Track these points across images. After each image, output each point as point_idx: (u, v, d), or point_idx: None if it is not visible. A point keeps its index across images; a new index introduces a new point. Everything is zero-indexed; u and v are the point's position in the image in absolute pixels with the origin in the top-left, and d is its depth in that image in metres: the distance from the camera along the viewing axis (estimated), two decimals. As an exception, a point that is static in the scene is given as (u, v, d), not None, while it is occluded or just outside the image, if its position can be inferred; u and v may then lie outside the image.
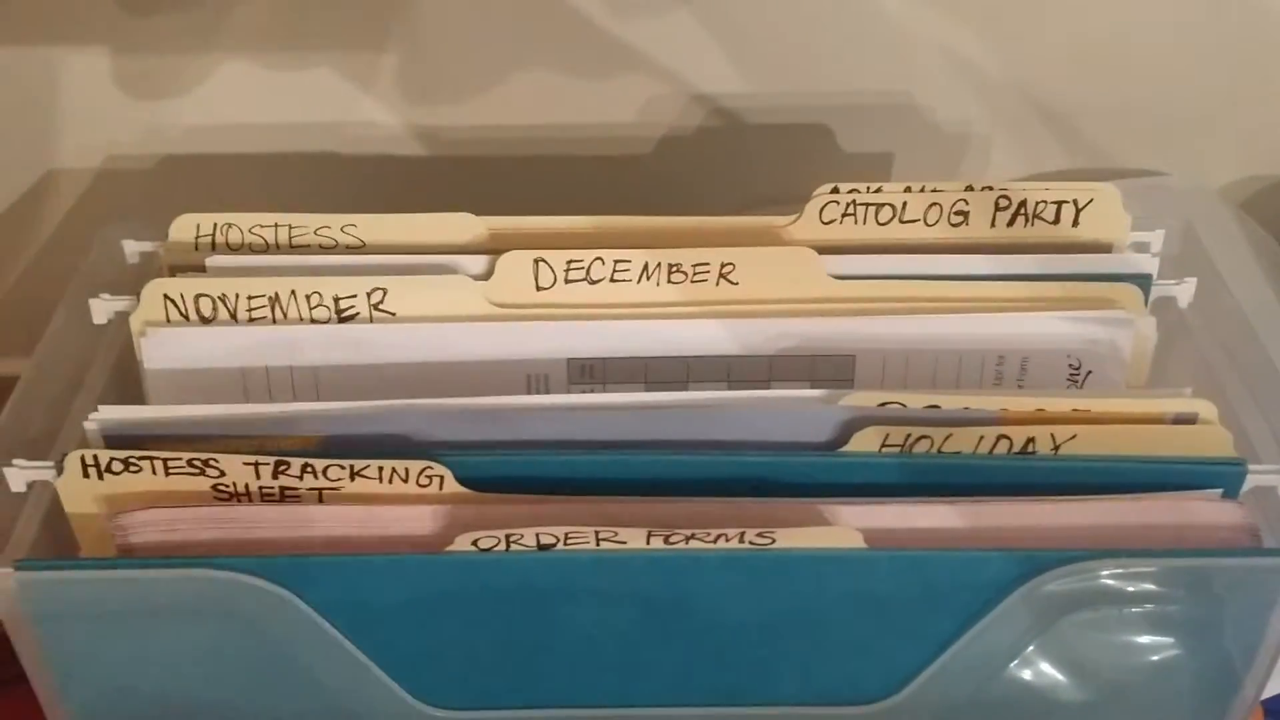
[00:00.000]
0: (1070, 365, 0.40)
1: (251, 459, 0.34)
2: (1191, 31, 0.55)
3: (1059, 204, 0.42)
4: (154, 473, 0.34)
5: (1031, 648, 0.35)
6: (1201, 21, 0.55)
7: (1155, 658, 0.35)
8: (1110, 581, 0.34)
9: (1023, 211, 0.42)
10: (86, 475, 0.34)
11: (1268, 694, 0.43)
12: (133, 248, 0.43)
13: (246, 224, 0.42)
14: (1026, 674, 0.36)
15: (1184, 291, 0.42)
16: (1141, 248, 0.43)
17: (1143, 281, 0.41)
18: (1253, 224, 0.57)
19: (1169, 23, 0.55)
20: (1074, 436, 0.36)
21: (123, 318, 0.40)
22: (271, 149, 0.56)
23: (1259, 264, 0.54)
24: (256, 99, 0.54)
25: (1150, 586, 0.34)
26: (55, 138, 0.55)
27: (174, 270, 0.42)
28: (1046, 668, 0.36)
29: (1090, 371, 0.40)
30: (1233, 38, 0.55)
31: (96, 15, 0.51)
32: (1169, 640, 0.35)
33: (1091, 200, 0.42)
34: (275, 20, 0.52)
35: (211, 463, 0.34)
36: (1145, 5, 0.54)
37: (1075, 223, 0.42)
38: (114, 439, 0.36)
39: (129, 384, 0.40)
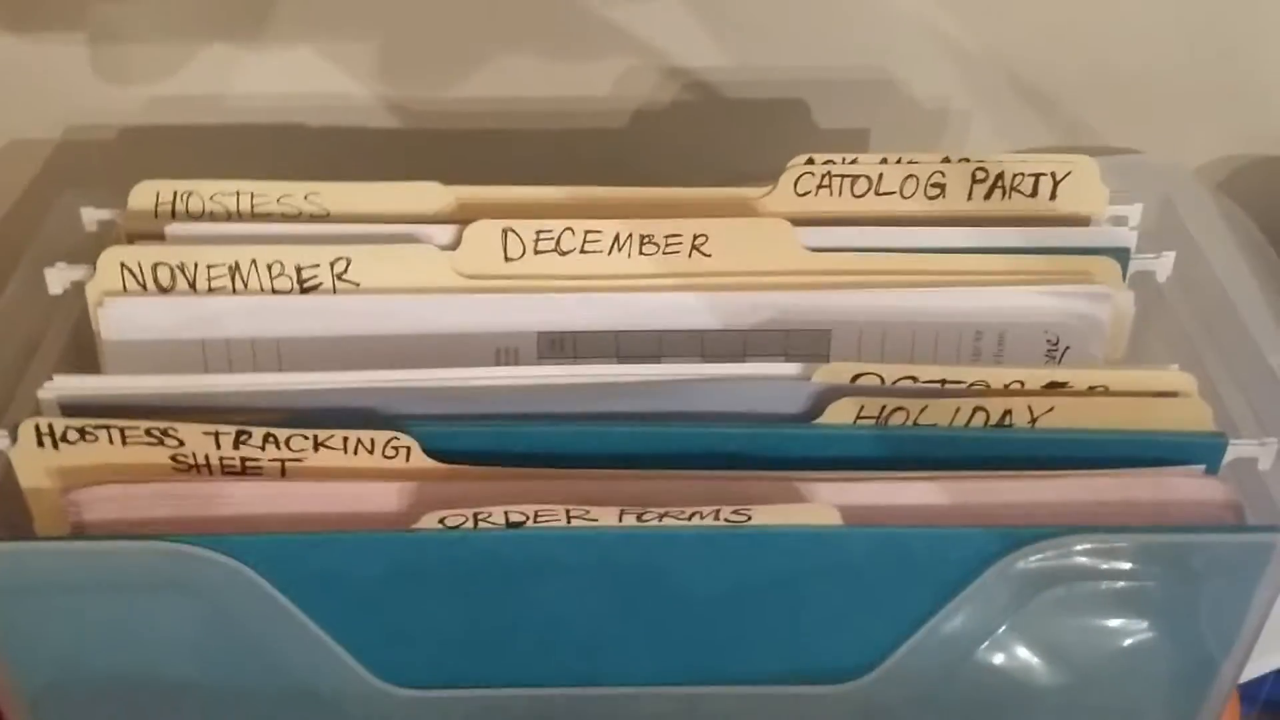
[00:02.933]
0: (1048, 340, 0.40)
1: (212, 429, 0.33)
2: (1171, 11, 0.55)
3: (1036, 176, 0.42)
4: (110, 442, 0.33)
5: (1007, 625, 0.35)
6: (1180, 3, 0.55)
7: (1133, 637, 0.35)
8: (1088, 558, 0.33)
9: (1000, 184, 0.42)
10: (41, 444, 0.33)
11: (1245, 677, 0.43)
12: (91, 215, 0.42)
13: (208, 191, 0.41)
14: (1002, 651, 0.35)
15: (1162, 265, 0.42)
16: (1119, 222, 0.42)
17: (1121, 255, 0.41)
18: (1228, 202, 0.57)
19: (1147, 3, 0.55)
20: (1051, 409, 0.35)
21: (79, 287, 0.39)
22: (237, 120, 0.55)
23: (1235, 240, 0.54)
24: (221, 69, 0.53)
25: (1128, 564, 0.33)
26: (13, 107, 0.54)
27: (133, 238, 0.41)
28: (1022, 645, 0.35)
29: (1068, 346, 0.40)
30: (1212, 20, 0.55)
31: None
32: (1147, 619, 0.35)
33: (1069, 173, 0.42)
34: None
35: (170, 432, 0.33)
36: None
37: (1053, 195, 0.42)
38: (70, 409, 0.35)
39: (86, 355, 0.39)
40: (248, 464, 0.34)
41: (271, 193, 0.41)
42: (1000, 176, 0.42)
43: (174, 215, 0.41)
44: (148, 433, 0.33)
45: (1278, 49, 0.56)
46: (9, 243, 0.55)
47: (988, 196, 0.42)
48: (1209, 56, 0.56)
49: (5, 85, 0.53)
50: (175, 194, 0.41)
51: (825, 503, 0.33)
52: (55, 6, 0.51)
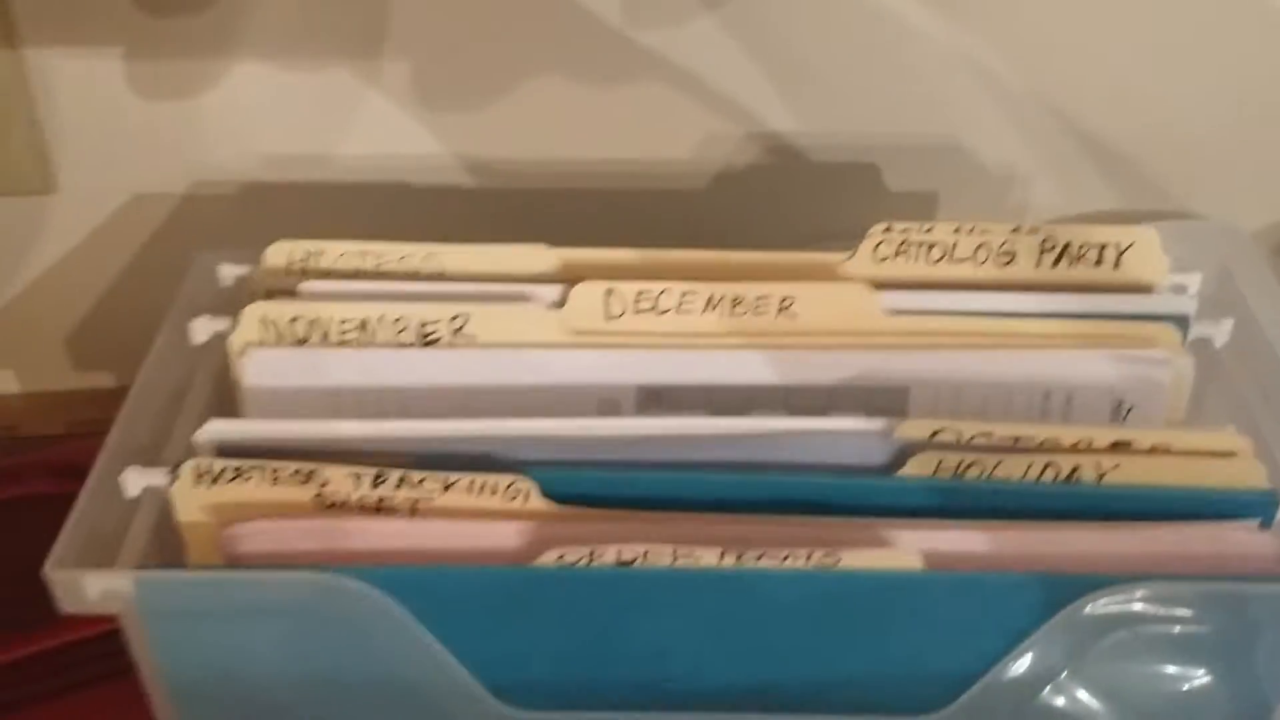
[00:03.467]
0: (1113, 401, 0.42)
1: (353, 470, 0.37)
2: (1228, 77, 0.57)
3: (1101, 246, 0.44)
4: (261, 481, 0.37)
5: (1073, 665, 0.37)
6: (1239, 69, 0.57)
7: (1190, 680, 0.37)
8: (1148, 606, 0.35)
9: (1066, 253, 0.44)
10: (199, 483, 0.37)
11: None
12: (228, 272, 0.46)
13: (336, 251, 0.45)
14: (1066, 692, 0.38)
15: (1220, 332, 0.44)
16: (1179, 289, 0.45)
17: (1180, 322, 0.43)
18: (1282, 264, 0.59)
19: (1207, 69, 0.57)
20: (1117, 466, 0.38)
21: (221, 338, 0.43)
22: (344, 178, 0.58)
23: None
24: (324, 131, 0.57)
25: (1186, 611, 0.36)
26: (137, 164, 0.57)
27: (268, 294, 0.44)
28: (1085, 687, 0.38)
29: (1131, 407, 0.42)
30: (1266, 84, 0.57)
31: (167, 49, 0.54)
32: (1203, 665, 0.37)
33: (1132, 244, 0.44)
34: (337, 60, 0.55)
35: (315, 473, 0.37)
36: (1184, 50, 0.56)
37: (1116, 265, 0.44)
38: (223, 450, 0.38)
39: (226, 400, 0.43)
40: (383, 503, 0.37)
41: (393, 253, 0.45)
42: (1067, 246, 0.44)
43: (304, 273, 0.44)
44: (296, 473, 0.37)
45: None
46: (133, 288, 0.60)
47: (1055, 264, 0.44)
48: (1265, 120, 0.58)
49: (129, 144, 0.57)
50: (307, 254, 0.45)
51: (907, 548, 0.36)
52: (176, 72, 0.55)
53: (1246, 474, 0.38)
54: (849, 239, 0.45)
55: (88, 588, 0.35)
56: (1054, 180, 0.60)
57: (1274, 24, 0.56)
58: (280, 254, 0.45)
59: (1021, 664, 0.36)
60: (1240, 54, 0.57)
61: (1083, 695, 0.38)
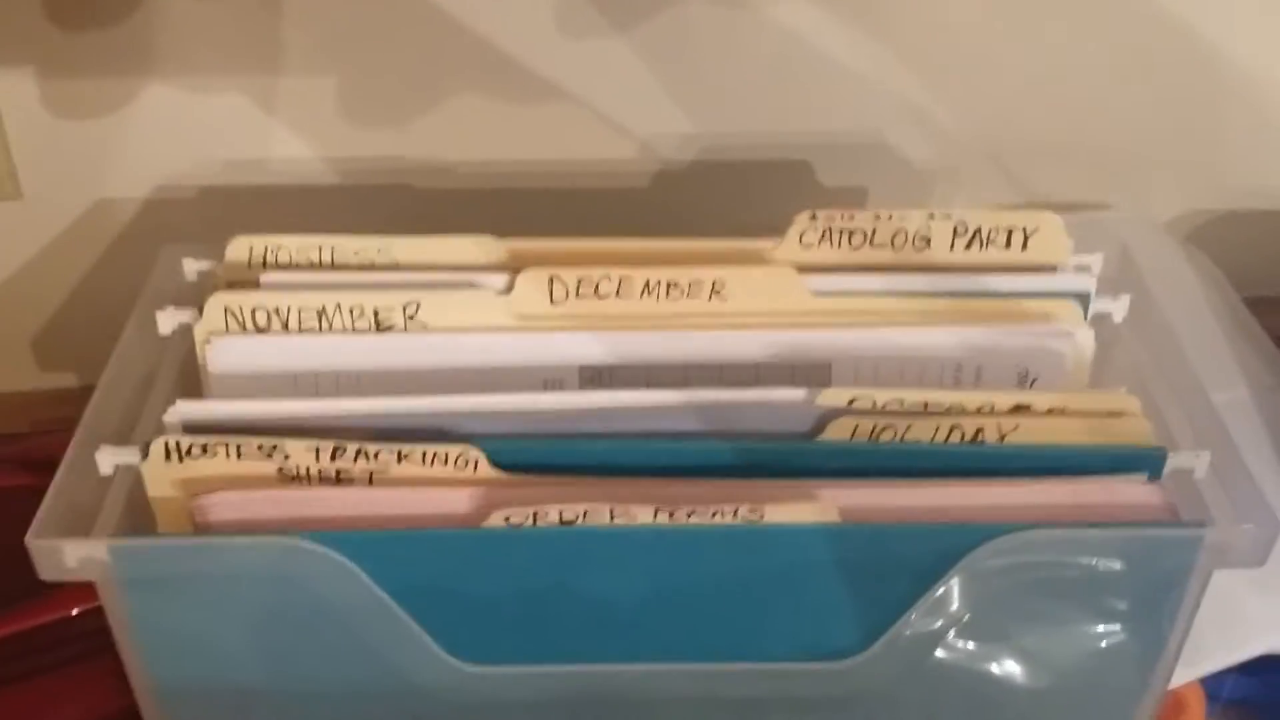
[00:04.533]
0: (1019, 372, 0.45)
1: (313, 444, 0.39)
2: (1137, 76, 0.60)
3: (1009, 230, 0.47)
4: (227, 456, 0.39)
5: (977, 609, 0.40)
6: (1147, 67, 0.60)
7: (1085, 618, 0.40)
8: (1046, 551, 0.38)
9: (978, 236, 0.47)
10: (168, 458, 0.39)
11: (1202, 673, 0.48)
12: (192, 266, 0.48)
13: (294, 245, 0.47)
14: (973, 633, 0.40)
15: (1119, 307, 0.47)
16: (1082, 269, 0.48)
17: (1082, 298, 0.46)
18: (1193, 249, 0.63)
19: (1115, 68, 0.60)
20: (1017, 428, 0.41)
21: (186, 328, 0.45)
22: (295, 181, 0.61)
23: (1196, 283, 0.59)
24: (278, 135, 0.60)
25: (1080, 556, 0.39)
26: (100, 170, 0.60)
27: (230, 286, 0.46)
28: (990, 628, 0.40)
29: (1036, 377, 0.45)
30: (1175, 81, 0.61)
31: (135, 59, 0.57)
32: (1098, 602, 0.40)
33: (1038, 227, 0.47)
34: (286, 69, 0.58)
35: (278, 447, 0.39)
36: (1093, 53, 0.60)
37: (1024, 247, 0.47)
38: (190, 429, 0.41)
39: (192, 387, 0.45)
40: (341, 474, 0.40)
41: (349, 246, 0.47)
42: (978, 230, 0.47)
43: (265, 266, 0.47)
44: (259, 448, 0.39)
45: (1232, 116, 0.62)
46: (101, 288, 0.62)
47: (967, 247, 0.47)
48: (1174, 116, 0.62)
49: (94, 151, 0.59)
50: (267, 247, 0.47)
51: (826, 504, 0.39)
52: (107, 85, 0.57)
53: (1136, 432, 0.41)
54: (782, 232, 0.48)
55: (66, 556, 0.37)
56: (977, 178, 0.63)
57: (1183, 24, 0.59)
58: (241, 248, 0.47)
59: (930, 608, 0.39)
60: (1146, 56, 0.60)
61: (987, 634, 0.40)
